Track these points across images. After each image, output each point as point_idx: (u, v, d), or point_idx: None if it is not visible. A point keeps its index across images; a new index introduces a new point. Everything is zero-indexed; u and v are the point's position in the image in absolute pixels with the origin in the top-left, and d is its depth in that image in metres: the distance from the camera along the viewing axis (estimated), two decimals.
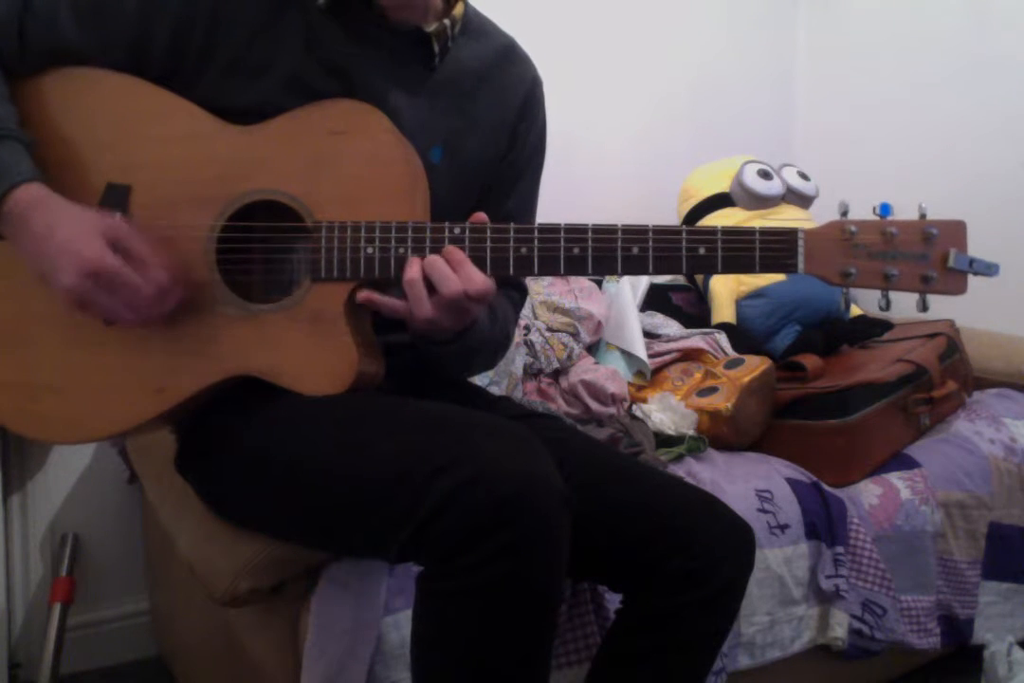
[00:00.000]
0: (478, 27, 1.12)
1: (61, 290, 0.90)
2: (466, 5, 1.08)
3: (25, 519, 1.67)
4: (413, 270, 0.92)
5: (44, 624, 1.58)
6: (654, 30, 2.27)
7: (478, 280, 0.91)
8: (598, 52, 2.19)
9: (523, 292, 1.22)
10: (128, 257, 0.90)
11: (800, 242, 0.89)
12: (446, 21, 1.03)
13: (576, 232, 0.92)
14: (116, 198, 0.98)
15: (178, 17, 0.96)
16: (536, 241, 0.92)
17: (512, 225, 0.92)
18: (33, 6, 0.96)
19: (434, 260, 0.91)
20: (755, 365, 1.61)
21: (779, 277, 1.92)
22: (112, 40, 0.97)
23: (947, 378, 1.71)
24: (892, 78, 2.27)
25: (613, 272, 0.93)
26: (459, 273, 0.91)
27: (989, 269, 0.89)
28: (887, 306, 0.91)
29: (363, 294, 0.95)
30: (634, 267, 0.92)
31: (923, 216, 0.90)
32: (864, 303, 2.11)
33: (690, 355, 1.77)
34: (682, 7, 2.31)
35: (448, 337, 1.00)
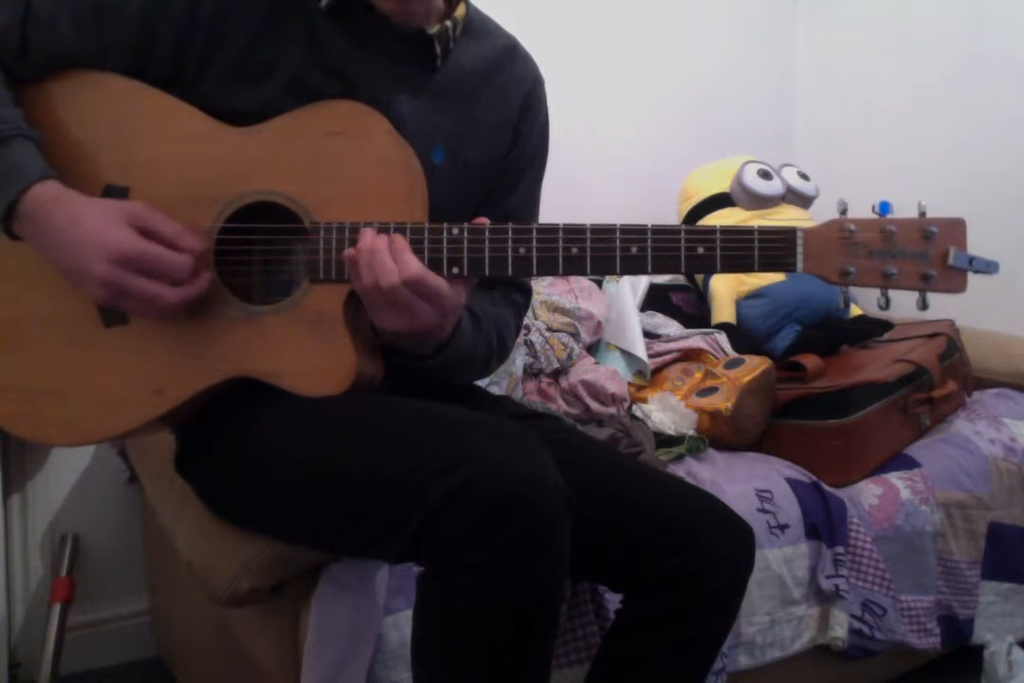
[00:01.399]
0: (480, 27, 1.12)
1: (93, 282, 0.89)
2: (468, 6, 1.08)
3: (25, 519, 1.67)
4: (362, 242, 0.91)
5: (44, 624, 1.58)
6: (655, 30, 2.27)
7: (414, 266, 0.89)
8: (599, 52, 2.19)
9: (527, 294, 1.21)
10: (156, 237, 0.91)
11: (799, 241, 0.89)
12: (448, 23, 1.03)
13: (574, 232, 0.91)
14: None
15: (180, 22, 0.96)
16: (534, 241, 0.92)
17: (510, 225, 0.92)
18: (34, 12, 0.96)
19: (377, 248, 0.90)
20: (755, 365, 1.61)
21: (779, 277, 1.92)
22: (113, 45, 0.97)
23: (947, 378, 1.71)
24: (892, 78, 2.27)
25: (612, 272, 0.93)
26: (398, 262, 0.90)
27: (989, 267, 0.89)
28: (887, 305, 0.91)
29: (349, 251, 0.92)
30: (633, 267, 0.91)
31: (923, 214, 0.89)
32: (864, 303, 2.11)
33: (690, 355, 1.77)
34: (683, 7, 2.31)
35: (424, 351, 0.99)
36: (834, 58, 2.43)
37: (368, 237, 0.91)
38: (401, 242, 0.91)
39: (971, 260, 0.88)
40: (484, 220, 0.94)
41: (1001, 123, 2.05)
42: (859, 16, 2.36)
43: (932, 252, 0.88)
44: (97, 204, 0.92)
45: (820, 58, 2.46)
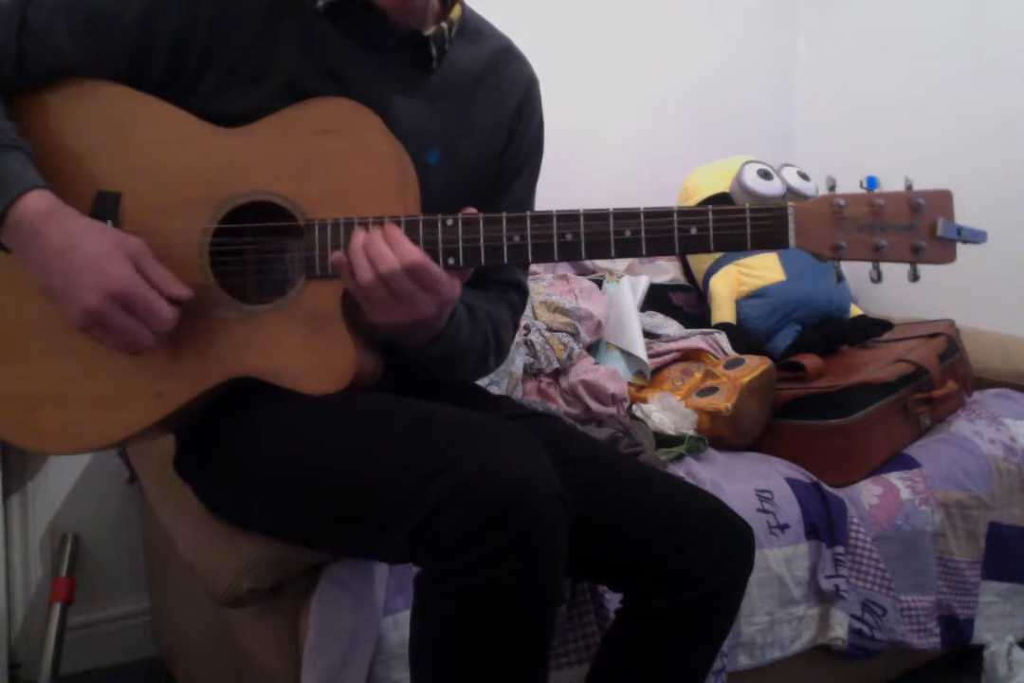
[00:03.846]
0: (475, 28, 1.12)
1: (79, 309, 0.88)
2: (463, 7, 1.08)
3: (25, 519, 1.67)
4: (356, 240, 0.91)
5: (44, 624, 1.59)
6: (654, 30, 2.27)
7: (415, 253, 0.89)
8: (599, 52, 2.19)
9: (524, 293, 1.21)
10: (146, 278, 0.90)
11: (790, 217, 0.90)
12: (444, 24, 1.03)
13: (568, 218, 0.92)
14: (106, 205, 0.97)
15: (177, 31, 0.96)
16: (529, 228, 0.92)
17: (504, 214, 0.92)
18: (29, 24, 0.96)
19: (372, 239, 0.90)
20: (755, 365, 1.61)
21: (779, 277, 1.92)
22: (110, 53, 0.97)
23: (947, 378, 1.71)
24: (892, 78, 2.27)
25: (607, 256, 0.93)
26: (395, 250, 0.90)
27: (977, 236, 0.90)
28: (879, 277, 0.92)
29: (338, 254, 0.92)
30: (627, 250, 0.92)
31: (909, 187, 0.90)
32: (865, 302, 2.11)
33: (690, 355, 1.77)
34: (682, 7, 2.31)
35: (419, 344, 0.99)
36: (834, 58, 2.43)
37: (359, 236, 0.91)
38: (395, 231, 0.91)
39: (959, 230, 0.89)
40: (472, 210, 0.94)
41: (1000, 123, 2.04)
42: (859, 16, 2.36)
43: (921, 224, 0.89)
44: (95, 229, 0.91)
45: (820, 58, 2.46)
